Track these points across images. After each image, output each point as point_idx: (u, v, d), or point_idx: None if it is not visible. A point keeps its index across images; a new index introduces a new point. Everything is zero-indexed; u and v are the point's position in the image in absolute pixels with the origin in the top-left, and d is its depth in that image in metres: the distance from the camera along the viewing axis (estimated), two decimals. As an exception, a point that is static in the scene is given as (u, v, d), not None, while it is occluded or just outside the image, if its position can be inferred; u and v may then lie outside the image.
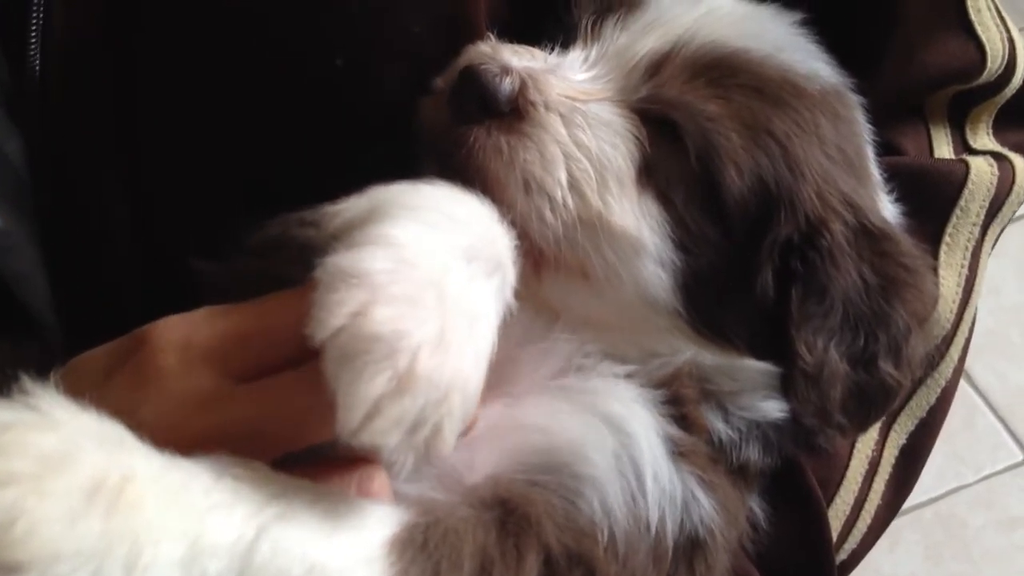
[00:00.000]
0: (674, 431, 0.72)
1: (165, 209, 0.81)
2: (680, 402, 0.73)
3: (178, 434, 0.59)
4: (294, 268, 0.62)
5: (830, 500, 0.87)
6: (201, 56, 0.76)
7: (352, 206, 0.62)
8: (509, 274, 0.62)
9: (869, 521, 0.90)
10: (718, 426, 0.75)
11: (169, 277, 0.74)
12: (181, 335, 0.62)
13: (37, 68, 0.73)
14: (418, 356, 0.54)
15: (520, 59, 0.74)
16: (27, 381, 0.53)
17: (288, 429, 0.60)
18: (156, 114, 0.77)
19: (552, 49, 0.79)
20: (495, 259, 0.61)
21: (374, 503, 0.61)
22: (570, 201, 0.71)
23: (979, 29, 0.88)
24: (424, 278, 0.56)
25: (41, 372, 0.66)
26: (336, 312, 0.54)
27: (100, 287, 0.81)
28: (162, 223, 0.81)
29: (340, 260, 0.56)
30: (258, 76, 0.76)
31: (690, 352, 0.75)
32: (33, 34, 0.72)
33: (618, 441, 0.69)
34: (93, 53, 0.75)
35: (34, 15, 0.72)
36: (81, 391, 0.62)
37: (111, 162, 0.78)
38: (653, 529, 0.69)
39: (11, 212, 0.77)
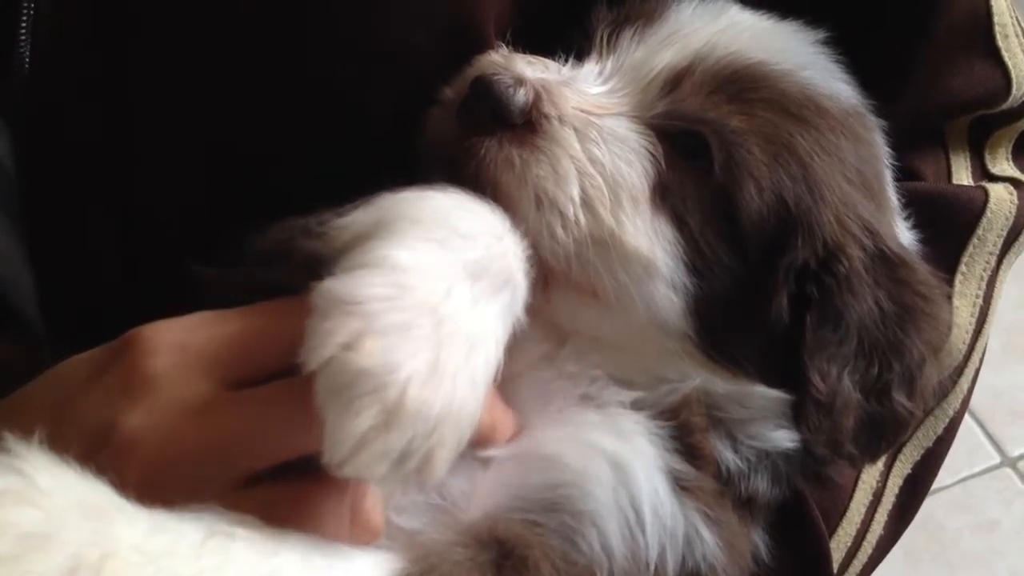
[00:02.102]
0: (679, 465, 0.70)
1: (156, 211, 0.78)
2: (688, 431, 0.71)
3: (170, 444, 0.57)
4: (301, 278, 0.61)
5: (832, 531, 0.85)
6: (191, 58, 0.73)
7: (358, 219, 0.60)
8: (519, 289, 0.60)
9: (870, 552, 0.88)
10: (727, 456, 0.73)
11: (160, 280, 0.71)
12: (176, 339, 0.60)
13: (26, 66, 0.70)
14: (407, 389, 0.53)
15: (534, 70, 0.71)
16: (11, 439, 0.51)
17: (284, 439, 0.58)
18: (147, 116, 0.75)
19: (565, 60, 0.76)
20: (504, 274, 0.59)
21: (367, 553, 0.60)
22: (582, 218, 0.69)
23: (1006, 55, 0.86)
24: (421, 304, 0.55)
25: (27, 372, 0.65)
26: (327, 342, 0.53)
27: (87, 289, 0.78)
28: (153, 225, 0.78)
29: (336, 285, 0.55)
30: (251, 79, 0.73)
31: (699, 378, 0.72)
32: (23, 30, 0.70)
33: (616, 477, 0.67)
34: (83, 52, 0.72)
35: (24, 11, 0.70)
36: (64, 395, 0.61)
37: (101, 163, 0.75)
38: (652, 566, 0.67)
39: None
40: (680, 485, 0.69)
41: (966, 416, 0.85)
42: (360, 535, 0.61)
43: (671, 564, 0.67)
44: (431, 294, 0.55)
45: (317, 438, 0.54)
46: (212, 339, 0.61)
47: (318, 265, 0.59)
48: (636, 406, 0.71)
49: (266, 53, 0.73)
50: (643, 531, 0.67)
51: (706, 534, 0.69)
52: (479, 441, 0.63)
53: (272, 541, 0.55)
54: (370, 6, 0.73)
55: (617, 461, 0.68)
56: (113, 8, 0.71)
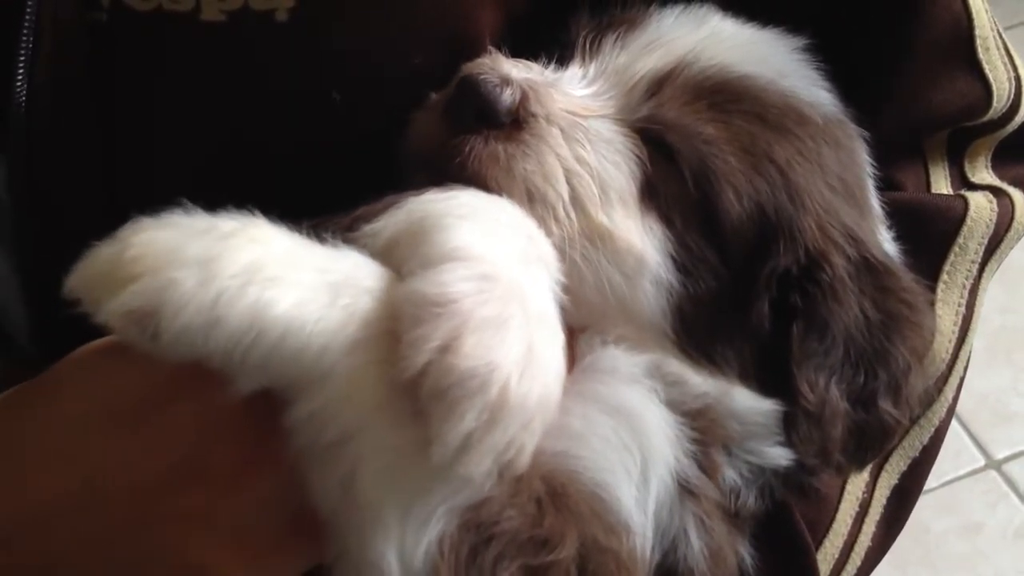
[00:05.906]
0: (688, 464, 0.69)
1: None
2: (703, 441, 0.70)
3: None
4: None
5: (819, 543, 0.84)
6: (183, 89, 0.73)
7: (391, 223, 0.60)
8: (554, 270, 0.61)
9: (859, 563, 0.87)
10: (725, 470, 0.71)
11: None
12: None
13: (23, 98, 0.70)
14: (508, 385, 0.53)
15: (520, 71, 0.71)
16: None
17: None
18: (141, 146, 0.75)
19: (548, 65, 0.76)
20: (544, 258, 0.61)
21: None
22: (573, 216, 0.68)
23: (987, 68, 0.86)
24: (508, 294, 0.55)
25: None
26: (423, 348, 0.52)
27: (80, 321, 0.77)
28: None
29: (423, 286, 0.54)
30: (246, 109, 0.74)
31: (715, 392, 0.71)
32: (21, 63, 0.70)
33: (642, 458, 0.67)
34: (78, 84, 0.72)
35: (23, 44, 0.69)
36: None
37: (96, 191, 0.75)
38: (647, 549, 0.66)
39: None
40: (684, 485, 0.68)
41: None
42: None
43: (657, 555, 0.67)
44: (512, 282, 0.56)
45: None
46: None
47: None
48: (652, 388, 0.70)
49: (257, 82, 0.73)
50: (646, 513, 0.66)
51: (694, 538, 0.68)
52: None
53: None
54: (373, 31, 0.74)
55: (647, 445, 0.67)
56: (107, 45, 0.71)
